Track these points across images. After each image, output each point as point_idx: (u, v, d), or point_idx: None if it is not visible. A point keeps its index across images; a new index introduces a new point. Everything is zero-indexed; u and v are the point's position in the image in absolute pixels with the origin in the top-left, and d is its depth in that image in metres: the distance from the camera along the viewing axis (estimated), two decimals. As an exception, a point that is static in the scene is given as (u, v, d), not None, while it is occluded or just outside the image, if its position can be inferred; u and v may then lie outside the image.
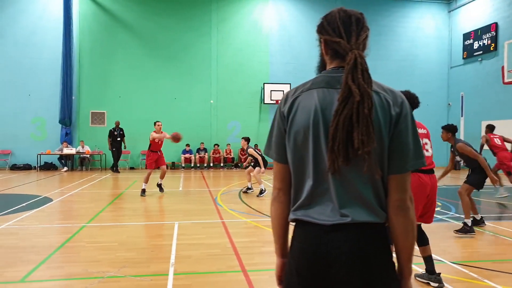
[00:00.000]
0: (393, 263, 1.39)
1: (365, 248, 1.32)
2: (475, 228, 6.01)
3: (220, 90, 17.92)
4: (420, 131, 3.81)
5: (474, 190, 6.15)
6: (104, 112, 17.10)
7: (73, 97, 16.65)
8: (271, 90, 17.72)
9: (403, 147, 1.34)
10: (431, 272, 3.90)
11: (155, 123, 9.93)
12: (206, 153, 17.36)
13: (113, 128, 16.01)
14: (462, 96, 18.76)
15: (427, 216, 3.98)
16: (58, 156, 16.12)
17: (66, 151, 15.79)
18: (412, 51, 19.44)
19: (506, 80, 12.27)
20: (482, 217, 6.41)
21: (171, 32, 17.54)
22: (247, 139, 10.13)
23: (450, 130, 5.72)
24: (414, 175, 3.71)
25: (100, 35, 17.03)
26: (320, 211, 1.37)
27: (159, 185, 9.91)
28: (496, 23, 16.79)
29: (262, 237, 5.77)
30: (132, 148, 16.94)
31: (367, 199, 1.34)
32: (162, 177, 9.89)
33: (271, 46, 18.29)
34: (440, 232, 6.13)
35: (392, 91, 1.40)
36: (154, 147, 9.73)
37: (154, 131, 9.71)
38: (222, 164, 17.46)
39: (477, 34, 17.75)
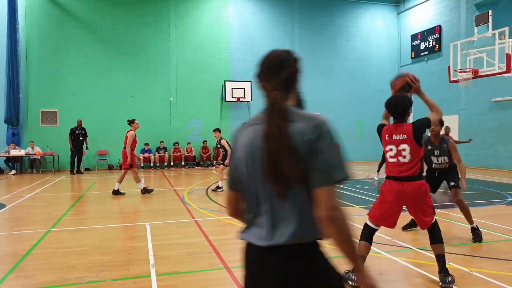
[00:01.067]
0: (325, 282, 1.52)
1: (292, 269, 1.48)
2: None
3: (180, 88, 17.62)
4: (397, 137, 3.75)
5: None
6: (55, 111, 16.18)
7: (20, 95, 15.59)
8: (232, 88, 17.71)
9: (321, 164, 1.46)
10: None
11: (133, 121, 9.63)
12: (166, 152, 17.01)
13: (74, 127, 15.18)
14: (411, 94, 19.79)
15: (419, 222, 3.88)
16: (5, 158, 15.05)
17: (14, 152, 14.77)
18: (366, 50, 20.26)
19: (452, 79, 13.11)
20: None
21: (128, 28, 16.97)
22: (220, 130, 10.26)
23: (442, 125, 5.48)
24: (385, 181, 3.84)
25: (50, 30, 16.07)
26: (257, 234, 1.55)
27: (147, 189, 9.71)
28: (440, 26, 17.94)
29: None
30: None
31: (297, 221, 1.50)
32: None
33: (231, 43, 18.25)
34: (404, 221, 6.46)
35: (311, 118, 1.52)
36: (134, 145, 9.66)
37: (131, 130, 9.53)
38: (183, 163, 17.20)
39: (423, 35, 18.86)
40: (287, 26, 19.11)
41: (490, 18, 11.63)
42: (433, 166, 5.60)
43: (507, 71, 11.05)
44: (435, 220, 3.88)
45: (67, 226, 6.33)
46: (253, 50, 18.56)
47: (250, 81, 18.06)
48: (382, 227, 4.02)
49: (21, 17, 15.66)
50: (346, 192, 9.46)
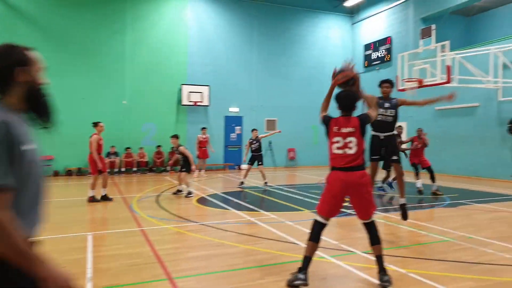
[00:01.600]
0: None
1: None
2: None
3: (134, 91, 17.10)
4: (345, 130, 3.92)
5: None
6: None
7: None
8: (189, 92, 17.45)
9: None
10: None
11: (97, 124, 9.37)
12: (118, 157, 16.42)
13: None
14: (363, 101, 20.48)
15: (359, 212, 4.00)
16: None
17: None
18: (321, 59, 20.72)
19: (399, 88, 13.68)
20: None
21: (80, 28, 16.25)
22: (177, 137, 10.14)
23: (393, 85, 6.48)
24: (331, 172, 3.95)
25: (-8, 27, 15.08)
26: None
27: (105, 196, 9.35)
28: (390, 37, 18.74)
29: (186, 243, 5.64)
30: (31, 153, 15.34)
31: None
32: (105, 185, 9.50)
33: (189, 47, 18.01)
34: (351, 225, 6.62)
35: None
36: (100, 149, 9.33)
37: (95, 133, 9.23)
38: (135, 169, 16.66)
39: (375, 45, 19.63)
40: (246, 32, 19.17)
41: (433, 32, 12.26)
42: (379, 118, 5.96)
43: (447, 82, 11.70)
44: (373, 220, 4.01)
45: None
46: (212, 54, 18.46)
47: (208, 85, 17.92)
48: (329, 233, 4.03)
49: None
50: (297, 197, 9.53)
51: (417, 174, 10.19)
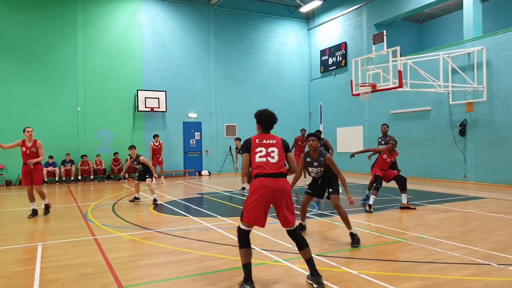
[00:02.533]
0: None
1: None
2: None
3: (88, 97, 16.61)
4: (267, 141, 4.12)
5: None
6: None
7: None
8: (145, 97, 17.17)
9: None
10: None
11: (24, 130, 8.83)
12: (73, 165, 15.86)
13: None
14: (320, 106, 21.03)
15: (284, 219, 4.05)
16: None
17: None
18: (279, 64, 21.07)
19: (354, 92, 14.16)
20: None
21: (29, 32, 15.61)
22: (135, 147, 10.17)
23: (320, 139, 5.97)
24: (256, 179, 3.99)
25: None
26: None
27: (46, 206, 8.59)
28: (345, 43, 19.36)
29: (139, 250, 5.57)
30: (-22, 162, 14.54)
31: None
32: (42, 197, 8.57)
33: (144, 51, 17.74)
34: (306, 229, 6.78)
35: None
36: (23, 157, 8.60)
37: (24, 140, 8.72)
38: (92, 177, 16.16)
39: (331, 51, 20.21)
40: (202, 37, 19.14)
41: (385, 37, 12.79)
42: (312, 175, 6.08)
43: (399, 86, 12.23)
44: (296, 226, 4.19)
45: None
46: (167, 59, 18.27)
47: (165, 91, 17.72)
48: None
49: None
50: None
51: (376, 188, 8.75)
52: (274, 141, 4.16)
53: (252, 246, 5.45)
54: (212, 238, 6.12)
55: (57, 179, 15.47)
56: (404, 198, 8.65)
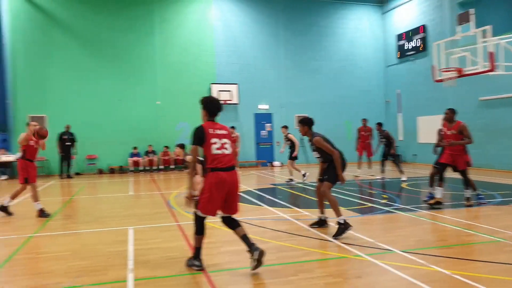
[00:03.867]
0: None
1: None
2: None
3: (166, 91, 17.62)
4: (219, 131, 4.24)
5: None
6: (43, 116, 16.06)
7: (7, 101, 15.51)
8: (218, 90, 17.74)
9: None
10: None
11: (29, 124, 7.96)
12: (155, 156, 17.00)
13: (62, 132, 15.21)
14: (398, 94, 19.99)
15: (232, 208, 4.36)
16: (-5, 164, 15.00)
17: (4, 158, 14.81)
18: (352, 51, 20.38)
19: (436, 78, 13.24)
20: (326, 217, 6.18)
21: (113, 32, 16.96)
22: (182, 146, 9.47)
23: (306, 123, 5.83)
24: (214, 173, 4.12)
25: (35, 35, 16.00)
26: None
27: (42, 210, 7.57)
28: (424, 25, 18.10)
29: (220, 237, 5.83)
30: (76, 152, 16.21)
31: None
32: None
33: (216, 46, 18.29)
34: (388, 223, 6.56)
35: None
36: (31, 154, 7.71)
37: (27, 133, 7.68)
38: (172, 166, 17.19)
39: (408, 35, 19.01)
40: (272, 28, 19.18)
41: (472, 16, 11.71)
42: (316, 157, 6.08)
43: (491, 70, 11.13)
44: None
45: (51, 231, 6.33)
46: (239, 52, 18.62)
47: (237, 83, 18.13)
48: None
49: (5, 23, 15.57)
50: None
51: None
52: (225, 132, 4.29)
53: (330, 240, 5.41)
54: (289, 229, 6.18)
55: (141, 168, 16.71)
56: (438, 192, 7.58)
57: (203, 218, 4.30)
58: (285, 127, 12.82)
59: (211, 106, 4.35)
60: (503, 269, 4.23)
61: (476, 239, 5.48)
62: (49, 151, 15.27)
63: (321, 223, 6.13)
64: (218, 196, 4.15)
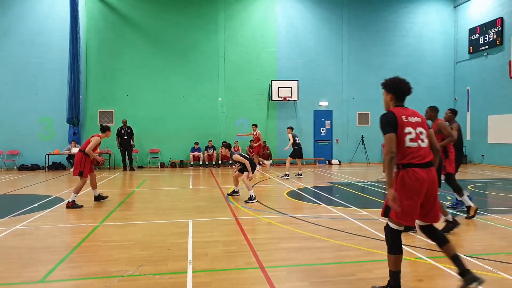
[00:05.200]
0: None
1: None
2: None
3: (227, 88, 17.96)
4: (413, 119, 3.42)
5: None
6: (112, 111, 17.17)
7: (80, 97, 16.72)
8: (278, 87, 17.73)
9: None
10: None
11: (108, 128, 8.55)
12: (215, 151, 17.40)
13: (120, 127, 16.17)
14: (468, 91, 18.68)
15: (433, 214, 3.45)
16: (67, 156, 16.20)
17: (75, 150, 15.79)
18: (419, 46, 19.37)
19: (513, 75, 12.17)
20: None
21: (179, 30, 17.59)
22: (228, 146, 9.29)
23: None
24: (409, 170, 3.29)
25: (107, 34, 17.08)
26: None
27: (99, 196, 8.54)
28: (501, 18, 16.71)
29: (277, 234, 5.80)
30: (140, 146, 17.09)
31: None
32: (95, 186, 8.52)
33: (278, 43, 18.28)
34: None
35: None
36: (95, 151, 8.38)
37: (99, 135, 8.36)
38: (230, 162, 17.48)
39: (483, 29, 17.67)
40: (335, 24, 18.76)
41: (559, 7, 10.61)
42: None
43: None
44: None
45: (115, 221, 6.70)
46: (300, 49, 18.46)
47: (297, 80, 17.98)
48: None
49: (82, 23, 16.76)
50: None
51: None
52: (419, 120, 3.43)
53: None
54: (347, 228, 6.01)
55: (201, 163, 17.19)
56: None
57: (399, 232, 3.39)
58: (291, 128, 13.50)
59: (401, 87, 3.54)
60: None
61: None
62: (113, 144, 16.34)
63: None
64: (415, 200, 3.29)
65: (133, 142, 16.24)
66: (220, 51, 17.89)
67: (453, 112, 7.44)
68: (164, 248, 5.04)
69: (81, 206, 7.84)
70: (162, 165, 17.36)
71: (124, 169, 16.04)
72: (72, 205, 7.76)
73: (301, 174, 13.12)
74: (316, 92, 18.64)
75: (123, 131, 16.09)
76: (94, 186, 8.46)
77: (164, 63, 17.50)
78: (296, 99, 17.94)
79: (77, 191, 7.92)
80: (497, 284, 3.82)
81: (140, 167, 17.15)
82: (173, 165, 17.34)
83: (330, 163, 18.65)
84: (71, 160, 16.11)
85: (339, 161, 18.83)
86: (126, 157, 16.15)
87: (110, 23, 17.10)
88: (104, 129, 8.45)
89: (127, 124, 16.31)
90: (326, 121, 18.89)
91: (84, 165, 8.06)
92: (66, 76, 16.43)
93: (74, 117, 16.48)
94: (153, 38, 17.47)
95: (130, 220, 6.76)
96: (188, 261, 4.51)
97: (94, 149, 8.18)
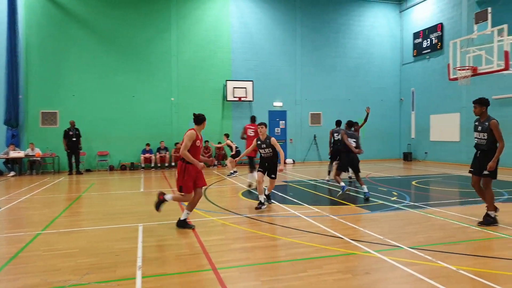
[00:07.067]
0: None
1: None
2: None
3: (181, 87, 17.63)
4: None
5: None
6: (56, 112, 16.24)
7: (19, 96, 15.65)
8: (233, 87, 17.68)
9: None
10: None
11: (204, 118, 6.48)
12: (167, 152, 17.02)
13: (68, 128, 15.30)
14: (413, 92, 19.69)
15: None
16: (4, 160, 15.08)
17: (13, 154, 14.80)
18: (368, 49, 20.14)
19: (451, 77, 12.99)
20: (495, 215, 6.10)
21: (129, 28, 17.01)
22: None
23: (484, 104, 6.10)
24: None
25: (50, 30, 16.14)
26: None
27: None
28: (441, 24, 17.79)
29: (231, 234, 5.75)
30: (88, 149, 16.31)
31: None
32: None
33: (233, 43, 18.22)
34: (397, 220, 6.44)
35: None
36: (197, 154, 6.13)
37: (193, 129, 6.18)
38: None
39: (425, 33, 18.72)
40: (288, 25, 19.04)
41: (489, 15, 11.48)
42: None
43: (506, 69, 10.91)
44: None
45: (59, 228, 6.32)
46: (255, 49, 18.55)
47: (252, 81, 18.04)
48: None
49: (21, 18, 15.71)
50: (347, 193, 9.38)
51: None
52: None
53: (341, 236, 5.36)
54: (299, 226, 6.09)
55: (152, 165, 16.74)
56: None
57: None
58: (227, 135, 15.46)
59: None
60: (509, 265, 4.30)
61: (483, 236, 5.50)
62: (61, 147, 15.49)
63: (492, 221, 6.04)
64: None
65: (80, 144, 15.47)
66: (173, 50, 17.54)
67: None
68: (112, 254, 4.83)
69: (191, 227, 6.05)
70: (112, 168, 16.70)
71: (70, 173, 15.21)
72: (181, 223, 6.09)
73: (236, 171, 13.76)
74: (271, 93, 18.81)
75: (71, 133, 15.25)
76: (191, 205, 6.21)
77: (113, 62, 16.85)
78: (251, 99, 18.00)
79: (190, 207, 6.12)
80: (437, 272, 4.04)
81: (88, 170, 16.39)
82: (123, 167, 16.74)
83: (284, 162, 18.88)
84: (9, 165, 15.05)
85: (293, 160, 19.12)
86: (73, 160, 15.34)
87: (53, 18, 16.18)
88: (200, 120, 6.28)
89: (75, 126, 15.49)
90: (281, 121, 19.12)
91: (184, 177, 5.93)
92: (3, 74, 15.31)
93: (13, 119, 15.40)
94: (102, 36, 16.76)
95: (76, 227, 6.42)
96: (138, 267, 4.34)
97: (195, 148, 6.02)
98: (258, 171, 7.68)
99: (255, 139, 7.81)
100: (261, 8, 18.68)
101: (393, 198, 8.51)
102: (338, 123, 11.29)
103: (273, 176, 7.65)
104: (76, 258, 4.68)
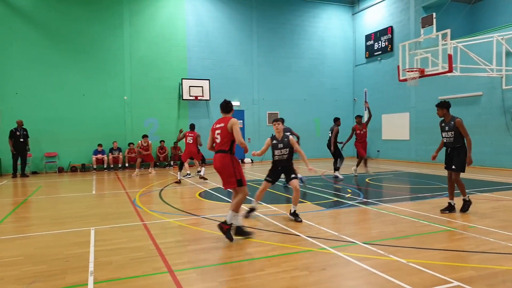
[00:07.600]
0: None
1: None
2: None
3: (134, 86, 17.11)
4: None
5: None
6: (-3, 111, 15.23)
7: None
8: (189, 86, 17.43)
9: None
10: None
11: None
12: (121, 153, 16.46)
13: (14, 128, 14.36)
14: (365, 92, 20.40)
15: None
16: None
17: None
18: (322, 50, 20.61)
19: (401, 78, 13.59)
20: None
21: (78, 23, 16.24)
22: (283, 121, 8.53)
23: (445, 106, 6.67)
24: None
25: (-10, 24, 15.09)
26: None
27: None
28: (391, 27, 18.58)
29: (187, 236, 5.66)
30: (34, 150, 15.41)
31: None
32: None
33: (188, 40, 17.95)
34: (352, 217, 6.64)
35: None
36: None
37: (231, 117, 5.55)
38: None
39: (377, 36, 19.47)
40: (245, 24, 19.06)
41: (434, 20, 12.13)
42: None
43: (449, 71, 11.58)
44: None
45: (2, 235, 5.92)
46: (211, 48, 18.39)
47: (209, 79, 17.88)
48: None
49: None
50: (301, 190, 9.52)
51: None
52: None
53: (298, 234, 5.45)
54: (257, 224, 6.11)
55: (105, 166, 16.13)
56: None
57: None
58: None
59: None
60: (454, 255, 4.56)
61: (430, 229, 5.77)
62: (3, 148, 14.54)
63: (450, 208, 6.76)
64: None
65: (28, 145, 14.59)
66: (125, 47, 16.98)
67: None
68: (62, 261, 4.59)
69: (249, 234, 5.42)
70: (61, 170, 15.90)
71: (14, 175, 14.30)
72: (228, 228, 5.23)
73: (190, 174, 13.24)
74: (228, 92, 18.72)
75: (18, 133, 14.33)
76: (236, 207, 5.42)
77: (61, 59, 16.03)
78: (208, 98, 17.84)
79: (238, 207, 5.38)
80: (388, 265, 4.20)
81: (34, 172, 15.49)
82: (73, 169, 15.99)
83: (243, 162, 18.90)
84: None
85: (252, 160, 19.18)
86: (19, 162, 14.44)
87: (-5, 11, 15.14)
88: (230, 108, 5.61)
89: (24, 126, 14.57)
90: (239, 121, 19.07)
91: (237, 168, 5.33)
92: None
93: None
94: (48, 31, 15.88)
95: (21, 233, 6.04)
96: (89, 272, 4.16)
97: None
98: (266, 180, 6.67)
99: (269, 139, 6.72)
100: (217, 6, 18.56)
101: (347, 195, 8.77)
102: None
103: (293, 176, 6.42)
104: (21, 266, 4.40)
